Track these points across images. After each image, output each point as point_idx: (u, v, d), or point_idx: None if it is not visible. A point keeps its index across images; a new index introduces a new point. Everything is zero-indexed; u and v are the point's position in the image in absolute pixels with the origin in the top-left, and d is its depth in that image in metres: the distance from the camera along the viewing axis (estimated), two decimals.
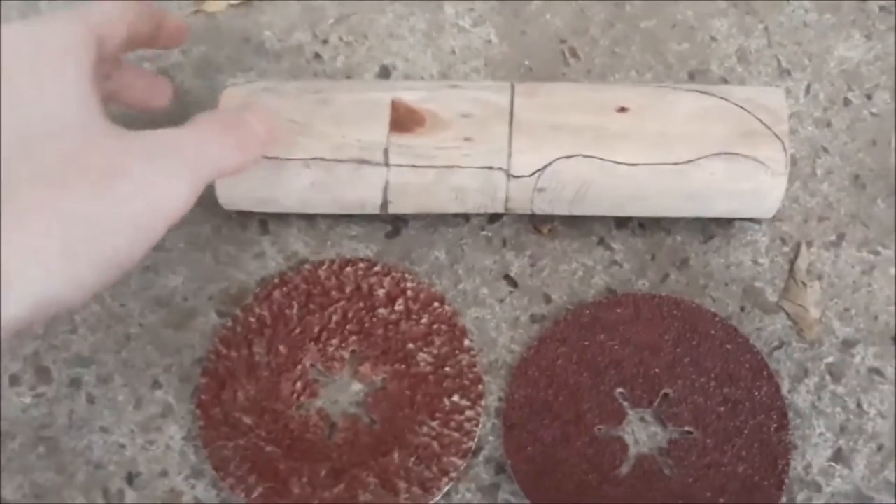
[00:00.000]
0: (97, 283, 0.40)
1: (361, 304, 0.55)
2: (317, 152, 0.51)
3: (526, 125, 0.51)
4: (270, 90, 0.53)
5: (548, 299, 0.56)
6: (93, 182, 0.39)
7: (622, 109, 0.51)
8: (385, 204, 0.53)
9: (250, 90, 0.53)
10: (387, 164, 0.51)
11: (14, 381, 0.54)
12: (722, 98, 0.52)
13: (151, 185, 0.41)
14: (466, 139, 0.51)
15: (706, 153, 0.51)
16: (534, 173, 0.51)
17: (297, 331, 0.54)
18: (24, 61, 0.40)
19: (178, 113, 0.58)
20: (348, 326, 0.54)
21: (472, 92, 0.53)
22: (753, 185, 0.51)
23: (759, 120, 0.51)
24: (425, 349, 0.54)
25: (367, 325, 0.54)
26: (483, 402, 0.53)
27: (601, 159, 0.51)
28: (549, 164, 0.51)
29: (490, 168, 0.51)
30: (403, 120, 0.51)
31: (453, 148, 0.51)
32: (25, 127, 0.39)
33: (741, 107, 0.52)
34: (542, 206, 0.53)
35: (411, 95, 0.52)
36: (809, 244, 0.57)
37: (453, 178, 0.52)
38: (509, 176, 0.51)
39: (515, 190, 0.52)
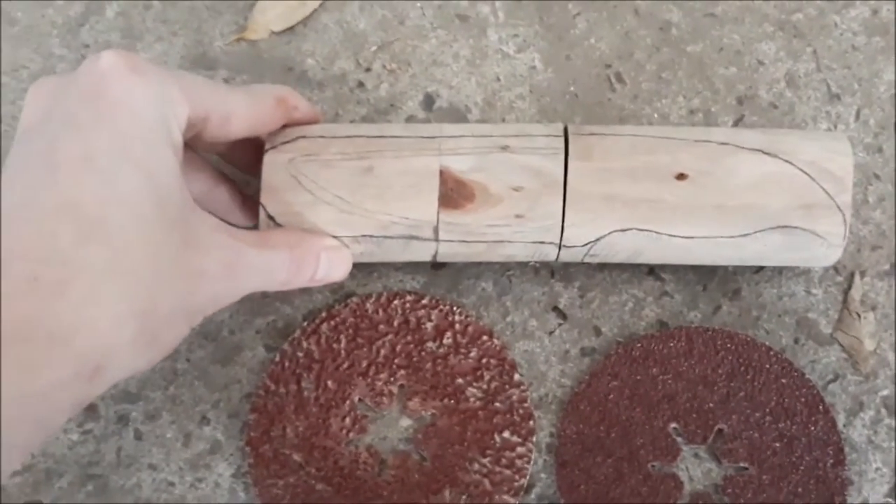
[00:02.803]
0: (151, 363, 0.41)
1: (409, 338, 0.54)
2: (365, 230, 0.49)
3: (580, 197, 0.49)
4: (312, 157, 0.50)
5: (598, 332, 0.55)
6: (176, 276, 0.41)
7: (680, 176, 0.49)
8: (434, 260, 0.52)
9: (291, 157, 0.50)
10: (436, 240, 0.50)
11: None
12: (786, 161, 0.50)
13: (214, 290, 0.43)
14: (518, 216, 0.49)
15: (764, 227, 0.49)
16: (586, 244, 0.50)
17: (346, 365, 0.54)
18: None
19: None
20: (396, 360, 0.54)
21: (523, 158, 0.50)
22: (808, 255, 0.50)
23: (823, 189, 0.49)
24: (475, 384, 0.53)
25: (415, 359, 0.54)
26: (534, 439, 0.52)
27: (657, 233, 0.49)
28: (603, 237, 0.49)
29: (542, 243, 0.50)
30: (452, 195, 0.49)
31: (504, 226, 0.49)
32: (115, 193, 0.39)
33: (805, 172, 0.50)
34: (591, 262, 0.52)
35: (459, 163, 0.50)
36: (863, 274, 0.56)
37: (503, 250, 0.50)
38: (561, 247, 0.50)
39: (566, 256, 0.51)
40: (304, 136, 0.51)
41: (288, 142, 0.50)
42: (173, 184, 0.41)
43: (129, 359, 0.39)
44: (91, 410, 0.54)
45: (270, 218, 0.49)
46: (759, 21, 0.62)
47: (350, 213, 0.49)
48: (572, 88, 0.61)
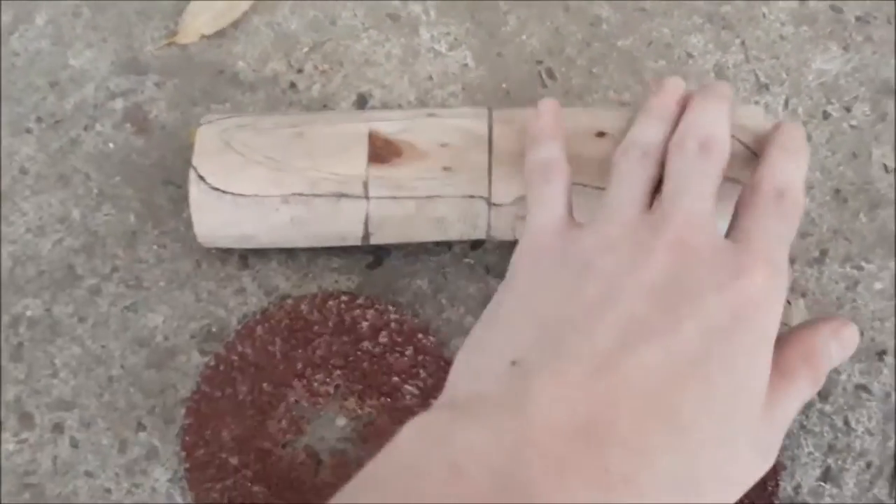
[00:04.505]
0: None
1: (345, 338, 0.54)
2: (294, 188, 0.51)
3: (505, 153, 0.51)
4: (245, 126, 0.52)
5: None
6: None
7: (600, 134, 0.51)
8: (366, 236, 0.52)
9: (224, 127, 0.52)
10: (366, 197, 0.51)
11: None
12: None
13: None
14: (445, 169, 0.51)
15: None
16: (515, 201, 0.51)
17: (281, 367, 0.54)
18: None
19: (153, 148, 0.57)
20: (332, 361, 0.54)
21: (450, 120, 0.52)
22: (733, 206, 0.51)
23: (740, 141, 0.51)
24: (411, 381, 0.53)
25: (351, 358, 0.54)
26: None
27: (582, 185, 0.50)
28: None
29: (471, 197, 0.51)
30: (381, 152, 0.51)
31: (432, 178, 0.51)
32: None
33: None
34: None
35: (388, 126, 0.52)
36: (792, 261, 0.56)
37: (434, 209, 0.51)
38: (490, 204, 0.51)
39: (497, 218, 0.52)
40: (238, 115, 0.54)
41: (223, 118, 0.53)
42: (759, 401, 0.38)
43: None
44: (26, 419, 0.54)
45: (201, 178, 0.51)
46: (688, 14, 0.62)
47: (280, 170, 0.51)
48: (504, 85, 0.61)
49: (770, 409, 0.39)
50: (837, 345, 0.42)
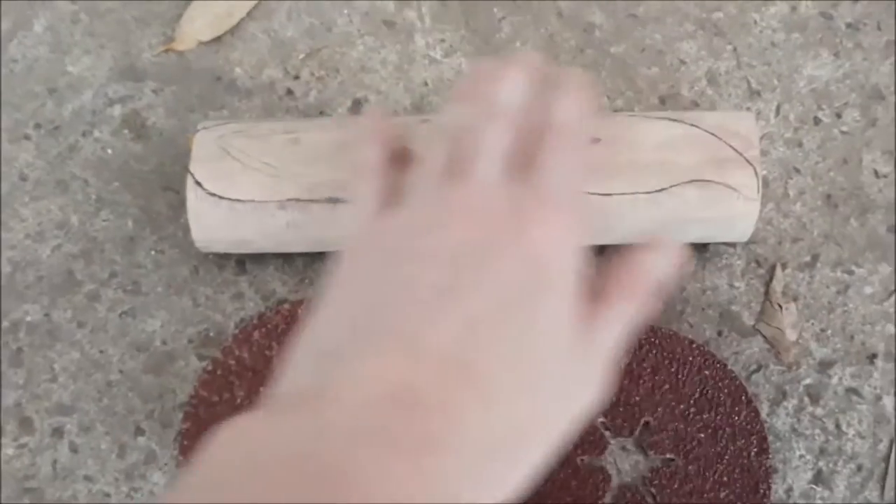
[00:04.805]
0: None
1: None
2: (291, 194, 0.51)
3: None
4: (242, 132, 0.53)
5: None
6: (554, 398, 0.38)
7: (593, 141, 0.52)
8: None
9: (221, 133, 0.53)
10: None
11: None
12: (692, 125, 0.52)
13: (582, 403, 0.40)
14: None
15: (678, 181, 0.51)
16: None
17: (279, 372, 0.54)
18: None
19: (151, 154, 0.58)
20: None
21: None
22: (726, 212, 0.52)
23: (730, 146, 0.52)
24: None
25: None
26: None
27: None
28: None
29: None
30: None
31: None
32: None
33: (712, 133, 0.52)
34: None
35: None
36: (784, 266, 0.57)
37: None
38: None
39: None
40: (235, 121, 0.54)
41: (220, 124, 0.54)
42: (564, 347, 0.39)
43: None
44: (26, 424, 0.54)
45: (198, 184, 0.51)
46: (680, 21, 0.63)
47: (276, 176, 0.51)
48: None
49: (589, 337, 0.39)
50: (653, 257, 0.42)
